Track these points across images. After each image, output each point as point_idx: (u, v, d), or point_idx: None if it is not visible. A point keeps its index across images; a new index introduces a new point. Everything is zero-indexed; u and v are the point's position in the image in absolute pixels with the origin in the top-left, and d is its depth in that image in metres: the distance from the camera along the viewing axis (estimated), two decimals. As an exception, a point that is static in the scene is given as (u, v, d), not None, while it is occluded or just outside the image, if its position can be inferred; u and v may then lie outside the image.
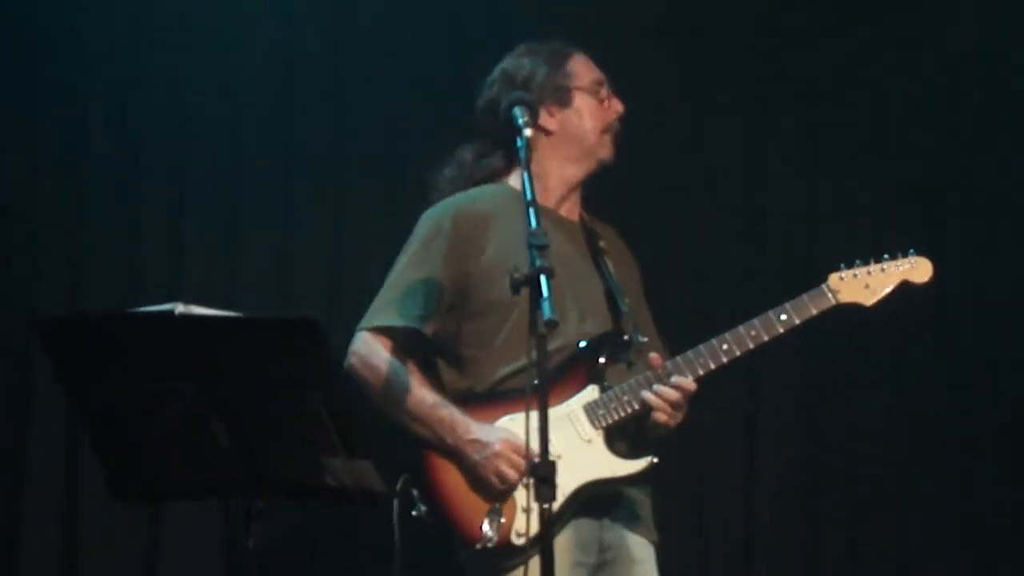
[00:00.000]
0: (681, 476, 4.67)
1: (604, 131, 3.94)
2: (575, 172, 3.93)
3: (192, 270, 4.60)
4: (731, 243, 4.97)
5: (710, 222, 4.97)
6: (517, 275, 3.14)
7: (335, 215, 4.70)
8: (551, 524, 3.05)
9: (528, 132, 3.44)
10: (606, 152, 3.94)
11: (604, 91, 3.96)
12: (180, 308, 2.96)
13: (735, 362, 3.76)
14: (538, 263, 3.11)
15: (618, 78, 4.05)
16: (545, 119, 3.89)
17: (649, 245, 4.27)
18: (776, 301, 3.82)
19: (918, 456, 4.98)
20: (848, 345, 4.84)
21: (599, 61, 4.02)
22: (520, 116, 3.47)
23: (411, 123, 4.73)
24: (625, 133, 4.01)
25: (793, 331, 3.78)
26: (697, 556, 4.82)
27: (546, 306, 3.04)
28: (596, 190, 4.04)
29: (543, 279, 3.08)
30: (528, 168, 3.35)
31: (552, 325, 3.03)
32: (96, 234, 4.59)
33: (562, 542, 3.59)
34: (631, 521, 3.78)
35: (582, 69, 3.96)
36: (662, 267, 4.24)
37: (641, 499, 3.82)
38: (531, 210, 3.24)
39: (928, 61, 5.04)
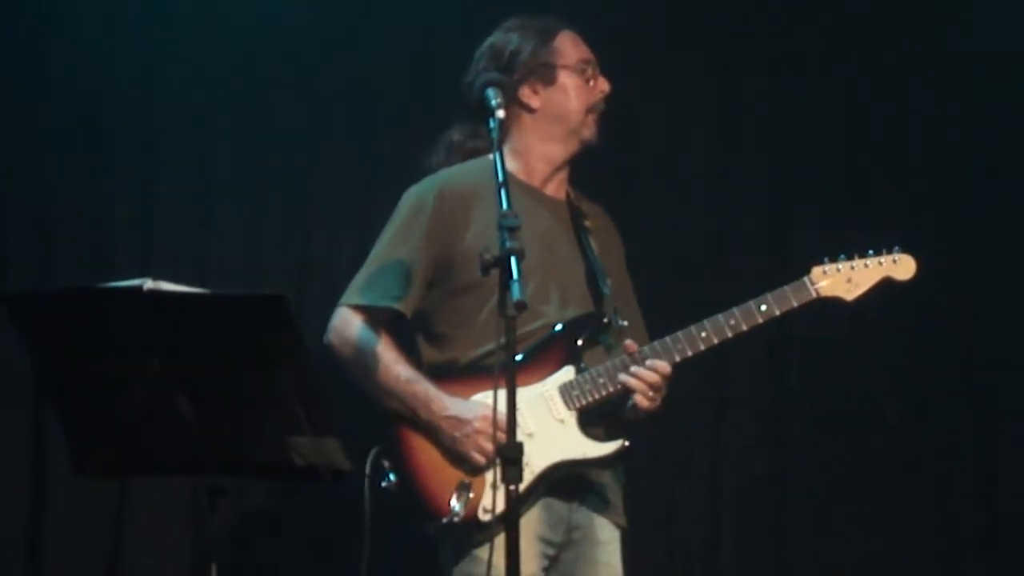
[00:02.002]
0: (650, 460, 4.69)
1: (588, 111, 3.90)
2: (558, 151, 3.90)
3: (163, 247, 4.59)
4: (706, 234, 4.98)
5: (684, 211, 4.97)
6: (487, 256, 3.14)
7: (307, 194, 4.69)
8: (518, 504, 3.06)
9: (500, 113, 3.42)
10: (589, 132, 3.90)
11: (590, 70, 3.92)
12: (149, 284, 2.95)
13: (712, 350, 3.77)
14: (508, 244, 3.11)
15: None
16: (529, 96, 3.87)
17: (623, 236, 4.24)
18: (752, 293, 3.82)
19: (885, 443, 5.00)
20: (818, 333, 4.85)
21: (587, 39, 3.98)
22: (493, 97, 3.45)
23: (385, 103, 4.71)
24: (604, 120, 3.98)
25: (771, 321, 3.81)
26: (664, 541, 4.84)
27: (515, 288, 3.05)
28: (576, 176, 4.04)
29: (513, 260, 3.09)
30: (500, 149, 3.34)
31: (521, 307, 3.04)
32: (67, 210, 4.58)
33: (530, 517, 3.65)
34: (600, 505, 3.81)
35: (569, 47, 3.92)
36: (636, 257, 4.23)
37: (612, 484, 3.85)
38: (503, 191, 3.24)
39: (909, 53, 5.04)
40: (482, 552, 3.56)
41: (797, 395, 4.96)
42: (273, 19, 4.68)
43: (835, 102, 5.03)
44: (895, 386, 5.01)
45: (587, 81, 3.91)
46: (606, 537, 3.81)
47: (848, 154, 5.02)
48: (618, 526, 3.85)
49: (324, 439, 3.02)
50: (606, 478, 3.82)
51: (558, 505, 3.74)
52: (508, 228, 3.14)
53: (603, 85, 3.93)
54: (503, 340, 3.28)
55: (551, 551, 3.75)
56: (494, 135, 3.38)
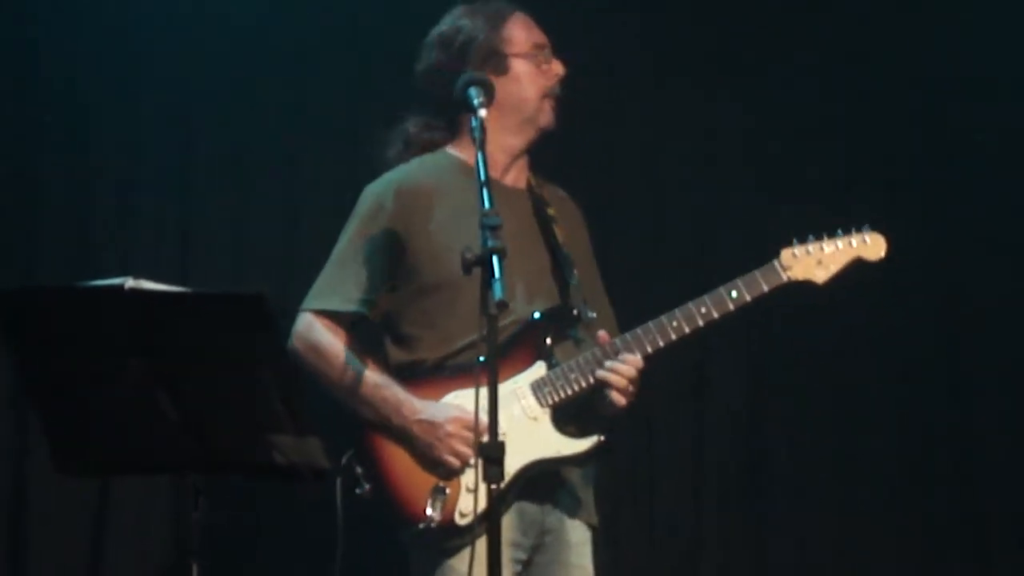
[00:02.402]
0: (630, 451, 4.73)
1: (544, 97, 3.82)
2: (516, 140, 3.83)
3: (145, 247, 4.60)
4: (681, 219, 5.00)
5: (661, 198, 4.99)
6: (469, 255, 3.13)
7: (290, 191, 4.69)
8: (499, 503, 3.06)
9: (483, 113, 3.41)
10: (546, 119, 3.83)
11: (543, 55, 3.84)
12: (130, 282, 2.95)
13: (684, 339, 3.71)
14: (490, 243, 3.10)
15: (578, 50, 3.96)
16: None
17: (599, 220, 4.21)
18: (727, 276, 3.77)
19: (869, 438, 5.04)
20: (797, 316, 4.90)
21: (544, 22, 3.91)
22: (476, 96, 3.44)
23: (367, 98, 4.71)
24: (576, 107, 3.92)
25: (744, 308, 3.73)
26: (645, 533, 4.87)
27: (497, 287, 3.04)
28: (546, 164, 3.99)
29: (495, 260, 3.08)
30: (483, 148, 3.33)
31: (503, 306, 3.03)
32: (49, 209, 4.58)
33: (503, 522, 3.46)
34: (571, 506, 3.75)
35: (520, 33, 3.84)
36: (612, 241, 4.20)
37: (582, 484, 3.78)
38: (484, 191, 3.22)
39: (892, 43, 5.08)
40: (456, 562, 3.54)
41: (778, 391, 5.01)
42: (257, 17, 4.68)
43: (808, 85, 5.06)
44: (878, 379, 5.06)
45: (540, 66, 3.82)
46: (577, 539, 3.75)
47: (835, 142, 5.05)
48: (590, 526, 3.79)
49: (305, 438, 3.02)
50: (576, 477, 3.76)
51: (530, 508, 3.68)
52: (490, 227, 3.13)
53: (557, 68, 3.84)
54: (468, 340, 3.38)
55: (523, 555, 3.69)
56: (476, 134, 3.37)
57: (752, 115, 5.01)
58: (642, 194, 4.99)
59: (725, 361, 4.98)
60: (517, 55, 3.81)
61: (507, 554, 3.57)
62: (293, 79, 4.72)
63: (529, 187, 3.90)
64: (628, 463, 4.82)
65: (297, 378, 3.03)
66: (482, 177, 3.26)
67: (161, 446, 3.08)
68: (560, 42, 3.92)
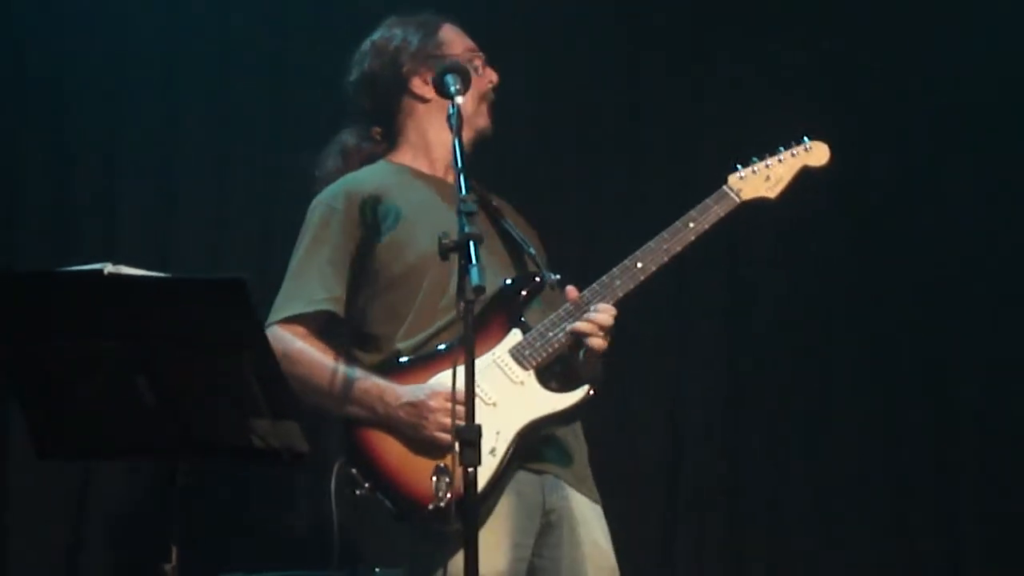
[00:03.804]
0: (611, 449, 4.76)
1: (479, 100, 3.84)
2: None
3: (127, 235, 4.61)
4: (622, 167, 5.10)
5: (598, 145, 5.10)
6: (447, 241, 3.14)
7: (270, 178, 4.70)
8: (476, 487, 3.05)
9: (460, 100, 3.43)
10: (483, 121, 3.84)
11: (478, 60, 3.88)
12: (109, 268, 2.96)
13: (651, 279, 3.67)
14: (467, 229, 3.12)
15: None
16: (421, 87, 3.82)
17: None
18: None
19: (845, 436, 5.09)
20: (772, 303, 4.94)
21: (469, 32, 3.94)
22: (453, 84, 3.46)
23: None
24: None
25: (702, 237, 3.70)
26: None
27: (475, 272, 3.05)
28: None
29: (472, 245, 3.10)
30: (459, 135, 3.35)
31: (480, 291, 3.05)
32: (31, 197, 4.58)
33: (505, 509, 3.55)
34: (573, 481, 3.70)
35: (454, 38, 3.89)
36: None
37: (582, 459, 3.74)
38: (461, 176, 3.25)
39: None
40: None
41: (756, 392, 5.06)
42: (238, 11, 4.70)
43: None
44: (856, 376, 5.10)
45: (475, 70, 3.82)
46: (586, 514, 3.70)
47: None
48: (595, 502, 3.73)
49: (283, 422, 3.04)
50: (578, 454, 3.72)
51: (530, 487, 3.62)
52: (466, 213, 3.14)
53: (491, 75, 3.89)
54: (441, 324, 3.46)
55: (528, 540, 3.62)
56: (453, 121, 3.39)
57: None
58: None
59: (704, 362, 5.01)
60: (453, 56, 3.82)
61: (509, 542, 3.55)
62: (277, 75, 4.74)
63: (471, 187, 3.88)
64: (608, 457, 4.84)
65: (276, 362, 3.04)
66: (459, 164, 3.27)
67: (141, 431, 3.11)
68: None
